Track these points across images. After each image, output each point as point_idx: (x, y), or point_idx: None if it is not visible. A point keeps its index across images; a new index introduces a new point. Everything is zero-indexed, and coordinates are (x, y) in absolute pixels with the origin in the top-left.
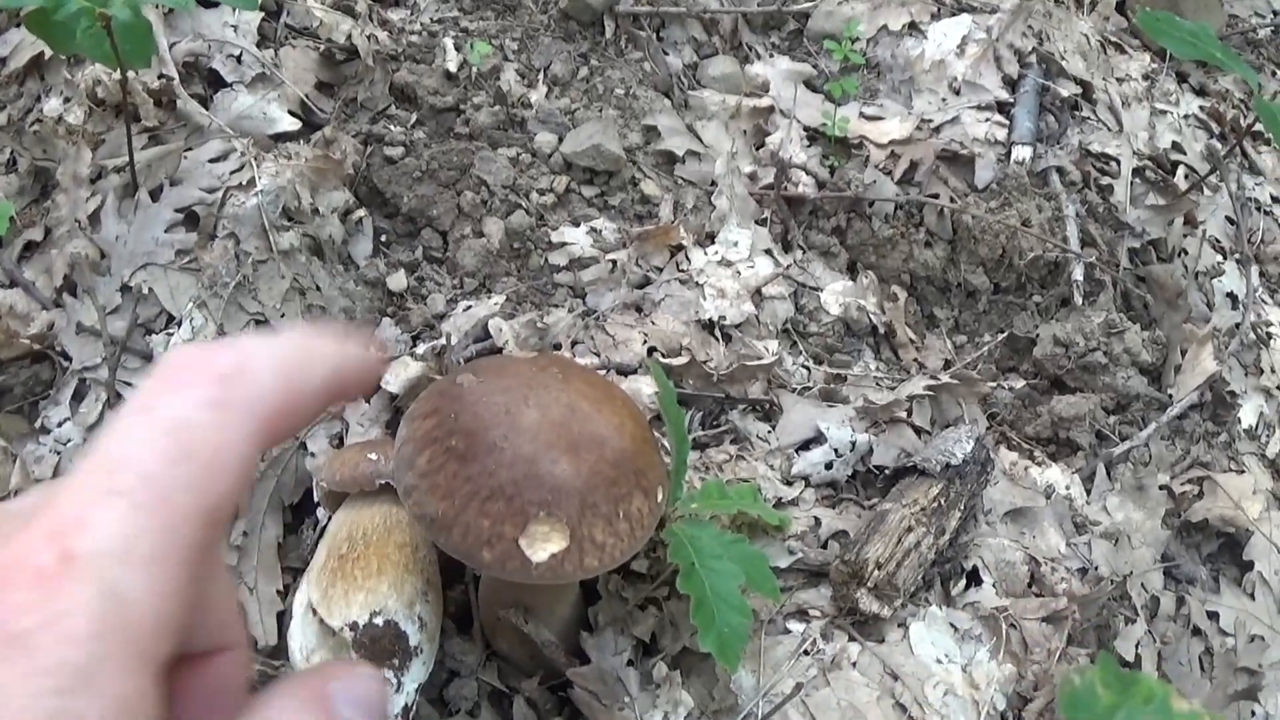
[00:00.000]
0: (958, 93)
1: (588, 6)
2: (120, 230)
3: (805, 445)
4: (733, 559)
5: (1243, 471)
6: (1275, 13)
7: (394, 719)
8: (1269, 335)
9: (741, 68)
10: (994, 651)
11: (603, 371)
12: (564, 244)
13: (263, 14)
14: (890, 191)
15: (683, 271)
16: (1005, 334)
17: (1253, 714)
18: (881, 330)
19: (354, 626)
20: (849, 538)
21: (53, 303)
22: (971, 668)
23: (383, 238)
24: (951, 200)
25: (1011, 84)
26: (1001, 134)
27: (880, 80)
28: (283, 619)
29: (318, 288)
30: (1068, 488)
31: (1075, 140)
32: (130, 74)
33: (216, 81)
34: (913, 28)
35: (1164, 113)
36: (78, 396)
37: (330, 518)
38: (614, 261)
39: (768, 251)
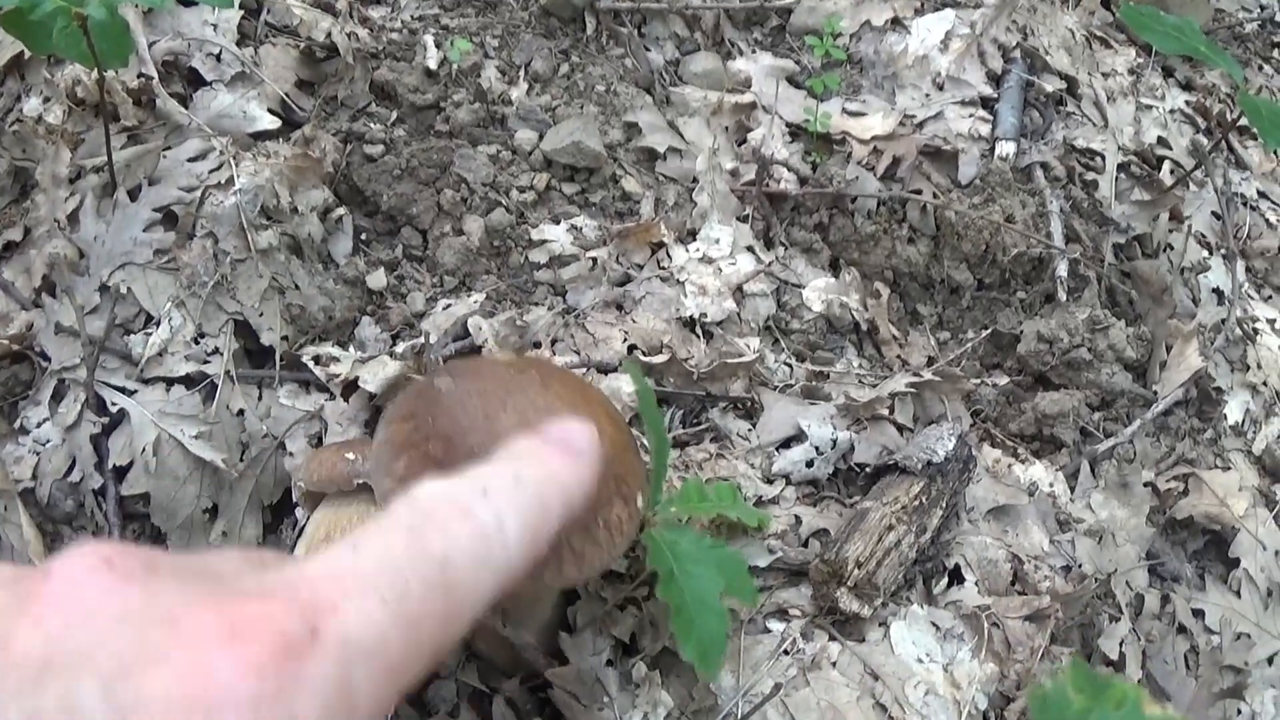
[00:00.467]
0: (941, 88)
1: (568, 3)
2: (99, 230)
3: (786, 443)
4: (712, 564)
5: (1228, 468)
6: (1262, 7)
7: None
8: (1255, 331)
9: (723, 64)
10: (976, 651)
11: (582, 370)
12: (544, 241)
13: (242, 12)
14: (873, 188)
15: (664, 269)
16: (989, 330)
17: (1239, 712)
18: (864, 327)
19: None
20: (829, 536)
21: (31, 303)
22: (953, 667)
23: (362, 236)
24: (935, 196)
25: (995, 79)
26: (985, 129)
27: (863, 76)
28: None
29: (297, 287)
30: (1051, 485)
31: (1060, 135)
32: (109, 73)
33: (196, 80)
34: (896, 23)
35: (1149, 108)
36: (57, 397)
37: (309, 518)
38: (594, 259)
39: (749, 248)
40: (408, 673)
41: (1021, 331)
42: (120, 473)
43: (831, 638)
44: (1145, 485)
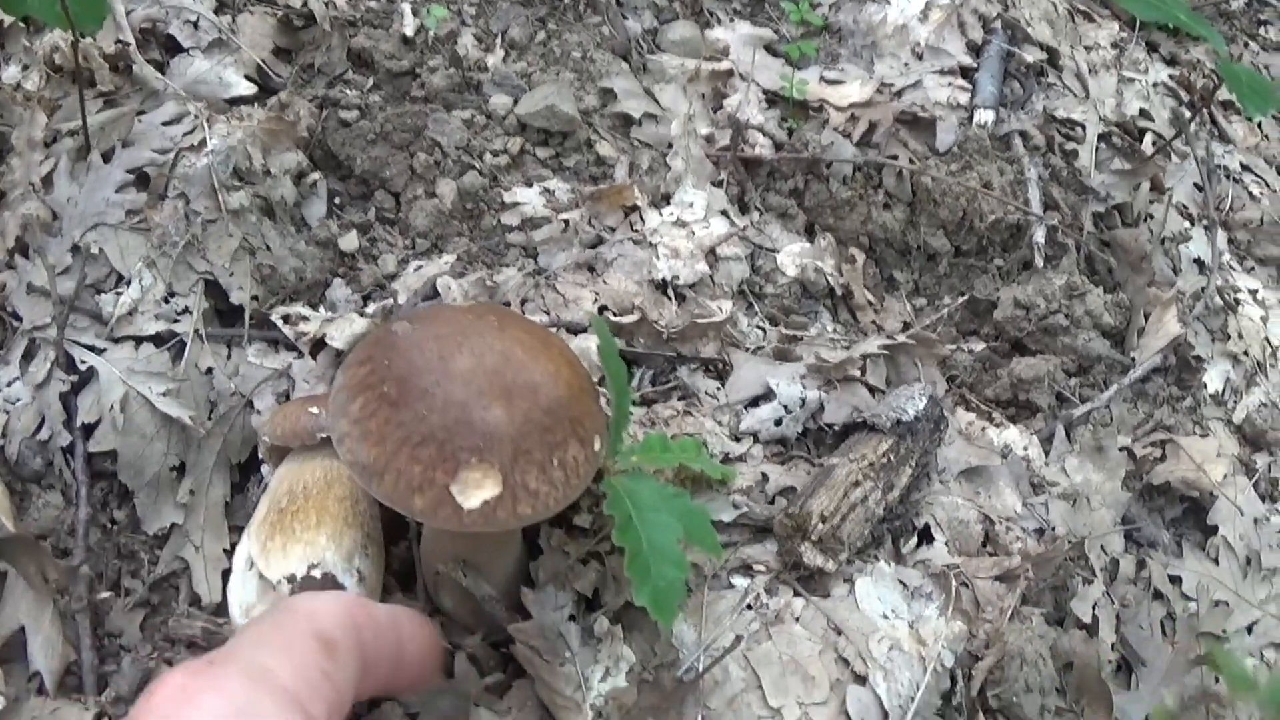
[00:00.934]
0: (920, 58)
1: None
2: (72, 192)
3: (755, 402)
4: (672, 513)
5: (1207, 435)
6: None
7: None
8: (1236, 301)
9: (701, 32)
10: (943, 609)
11: (552, 330)
12: (516, 204)
13: None
14: (848, 153)
15: (636, 232)
16: (965, 297)
17: (1216, 680)
18: (839, 292)
19: (291, 579)
20: (797, 493)
21: (5, 264)
22: (919, 624)
23: (336, 199)
24: (911, 162)
25: (976, 49)
26: (964, 98)
27: (842, 45)
28: (227, 577)
29: (268, 247)
30: (1025, 448)
31: (1040, 105)
32: (86, 39)
33: (173, 47)
34: None
35: (1132, 81)
36: (27, 356)
37: (273, 473)
38: (566, 221)
39: (724, 213)
40: None
41: (998, 298)
42: (88, 430)
43: (796, 593)
44: (1121, 450)
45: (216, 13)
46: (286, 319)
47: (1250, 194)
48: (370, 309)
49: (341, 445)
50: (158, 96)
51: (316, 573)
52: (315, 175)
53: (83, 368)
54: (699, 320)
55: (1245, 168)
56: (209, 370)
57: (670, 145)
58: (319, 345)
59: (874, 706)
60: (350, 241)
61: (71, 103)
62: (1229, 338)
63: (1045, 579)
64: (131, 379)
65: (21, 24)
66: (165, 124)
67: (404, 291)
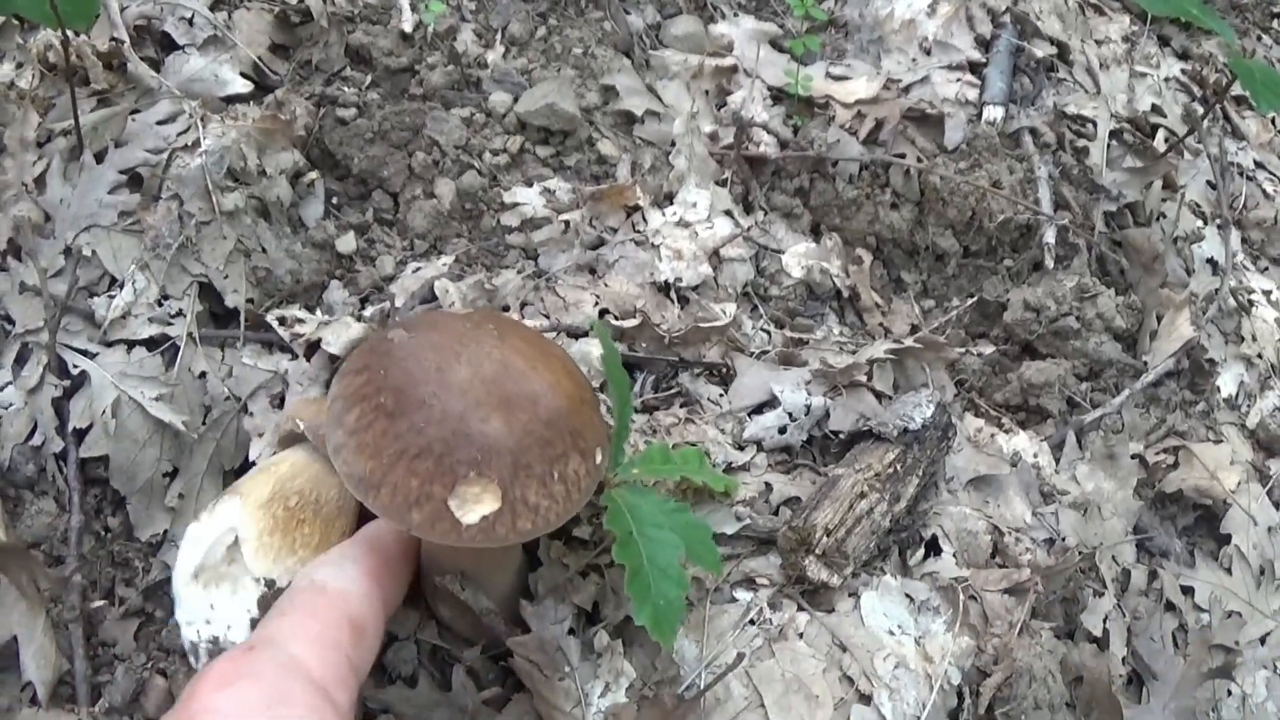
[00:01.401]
0: (928, 53)
1: None
2: (64, 193)
3: (759, 409)
4: (674, 528)
5: (1220, 441)
6: None
7: None
8: (1250, 302)
9: (705, 27)
10: (951, 623)
11: (552, 334)
12: (516, 204)
13: None
14: (855, 151)
15: (638, 232)
16: (974, 298)
17: (1228, 693)
18: (846, 294)
19: (270, 584)
20: (801, 504)
21: None
22: (926, 640)
23: (334, 200)
24: (919, 161)
25: (985, 44)
26: (973, 94)
27: (848, 40)
28: None
29: (263, 249)
30: (1035, 455)
31: (1050, 102)
32: (80, 37)
33: (168, 44)
34: None
35: (1144, 76)
36: (20, 360)
37: (275, 453)
38: (567, 222)
39: (727, 212)
40: None
41: (1008, 300)
42: (80, 436)
43: (799, 608)
44: (1133, 457)
45: (212, 9)
46: (282, 321)
47: (1264, 192)
48: (367, 312)
49: (338, 456)
50: (152, 95)
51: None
52: (312, 175)
53: (75, 372)
54: (702, 324)
55: (1259, 165)
56: (202, 374)
57: (673, 143)
58: (314, 348)
59: None
60: (348, 243)
61: (65, 101)
62: (1243, 340)
63: (1055, 591)
64: (124, 383)
65: (15, 21)
66: (159, 123)
67: (402, 294)
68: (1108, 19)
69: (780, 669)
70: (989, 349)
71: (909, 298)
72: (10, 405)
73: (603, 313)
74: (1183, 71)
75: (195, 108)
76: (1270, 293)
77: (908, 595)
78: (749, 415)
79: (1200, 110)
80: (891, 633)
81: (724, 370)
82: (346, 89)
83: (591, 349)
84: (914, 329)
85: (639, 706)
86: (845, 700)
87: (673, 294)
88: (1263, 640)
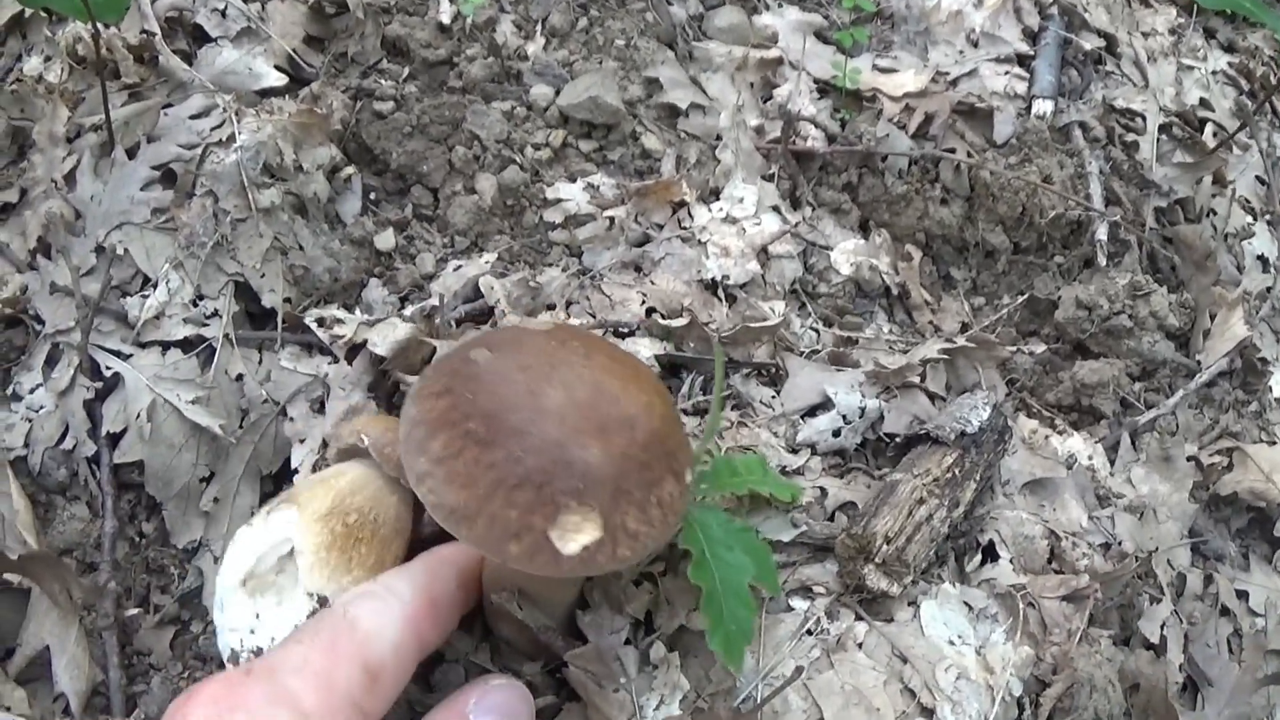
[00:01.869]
0: (975, 45)
1: None
2: (95, 189)
3: (812, 411)
4: (741, 549)
5: (1274, 442)
6: None
7: None
8: None
9: (749, 18)
10: (1010, 632)
11: (599, 332)
12: (559, 200)
13: None
14: (904, 146)
15: (684, 229)
16: (1025, 296)
17: None
18: (895, 291)
19: (322, 601)
20: (857, 510)
21: (27, 265)
22: (986, 650)
23: (371, 195)
24: (969, 155)
25: (1032, 36)
26: (1021, 88)
27: (895, 32)
28: None
29: (301, 247)
30: (1090, 458)
31: (1099, 95)
32: (110, 30)
33: (201, 37)
34: None
35: (1191, 68)
36: (50, 361)
37: (331, 464)
38: (612, 219)
39: (775, 208)
40: None
41: (1059, 297)
42: (114, 440)
43: (858, 617)
44: (1188, 459)
45: (245, 0)
46: (321, 322)
47: None
48: (409, 310)
49: (421, 485)
50: (184, 89)
51: None
52: (349, 170)
53: (108, 374)
54: (752, 324)
55: None
56: (239, 376)
57: (719, 137)
58: (355, 350)
59: None
60: (387, 240)
61: (95, 95)
62: None
63: (1112, 598)
64: (159, 386)
65: (43, 14)
66: (192, 118)
67: (444, 293)
68: (1153, 11)
69: (839, 680)
70: (1040, 348)
71: (959, 295)
72: (41, 408)
73: (650, 311)
74: (1229, 64)
75: (229, 101)
76: None
77: (966, 604)
78: (802, 418)
79: (1250, 104)
80: (952, 643)
81: (774, 370)
82: (384, 82)
83: (640, 348)
84: (964, 327)
85: (692, 719)
86: (907, 713)
87: (720, 292)
88: None
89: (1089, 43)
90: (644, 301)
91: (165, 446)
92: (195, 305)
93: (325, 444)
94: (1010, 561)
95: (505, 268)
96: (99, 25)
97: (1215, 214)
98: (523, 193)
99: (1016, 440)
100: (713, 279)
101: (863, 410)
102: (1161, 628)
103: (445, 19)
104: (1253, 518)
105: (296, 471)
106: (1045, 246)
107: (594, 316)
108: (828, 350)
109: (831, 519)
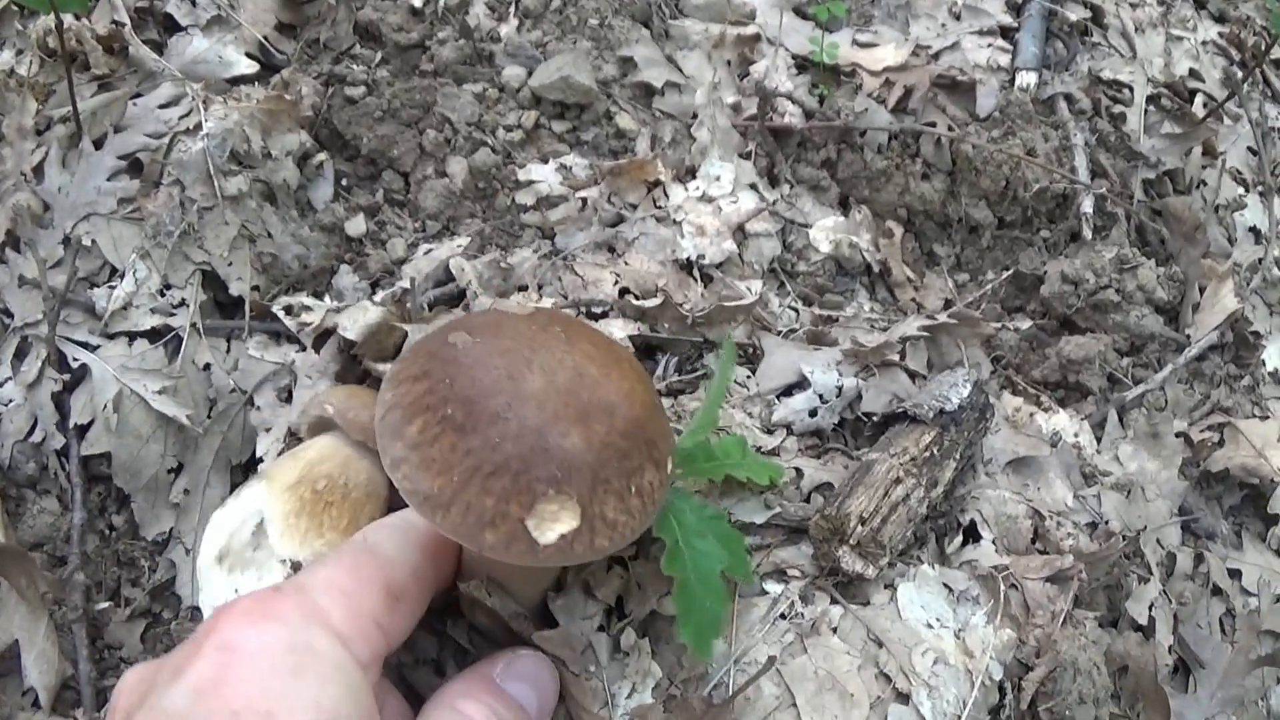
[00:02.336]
0: (958, 18)
1: None
2: (63, 181)
3: (788, 391)
4: (714, 538)
5: (1267, 417)
6: None
7: None
8: None
9: None
10: (991, 615)
11: (571, 312)
12: (531, 182)
13: None
14: (883, 120)
15: (659, 208)
16: (1010, 271)
17: (1278, 681)
18: (876, 269)
19: (295, 566)
20: (833, 490)
21: None
22: (966, 633)
23: (343, 181)
24: (950, 129)
25: (1015, 8)
26: (1004, 60)
27: (875, 6)
28: None
29: (269, 234)
30: (1076, 435)
31: (1085, 67)
32: (79, 21)
33: (171, 26)
34: None
35: (1180, 39)
36: (19, 355)
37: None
38: (584, 199)
39: (752, 186)
40: None
41: (1045, 272)
42: (82, 432)
43: (833, 600)
44: (1177, 435)
45: None
46: (289, 310)
47: None
48: (379, 296)
49: (396, 471)
50: (154, 78)
51: None
52: (321, 156)
53: (75, 365)
54: (727, 303)
55: None
56: (207, 366)
57: (694, 116)
58: (323, 338)
59: None
60: (357, 225)
61: (66, 88)
62: None
63: (1098, 578)
64: (126, 376)
65: (15, 7)
66: (160, 107)
67: (414, 276)
68: None
69: (813, 666)
70: (1026, 324)
71: (942, 271)
72: (10, 401)
73: (623, 292)
74: (1220, 35)
75: (197, 90)
76: None
77: (946, 585)
78: (777, 398)
79: (1240, 74)
80: (930, 626)
81: (750, 350)
82: (355, 67)
83: (613, 329)
84: (948, 303)
85: (665, 707)
86: (882, 699)
87: (696, 272)
88: None
89: (1074, 14)
90: (617, 282)
91: (133, 437)
92: (162, 295)
93: (292, 433)
94: (992, 542)
95: (477, 251)
96: (68, 17)
97: (1205, 185)
98: (494, 175)
99: (1000, 418)
100: (688, 259)
101: (840, 389)
102: (1150, 608)
103: (417, 3)
104: (1245, 495)
105: (262, 460)
106: (1030, 221)
107: (566, 297)
108: (806, 329)
109: (808, 500)
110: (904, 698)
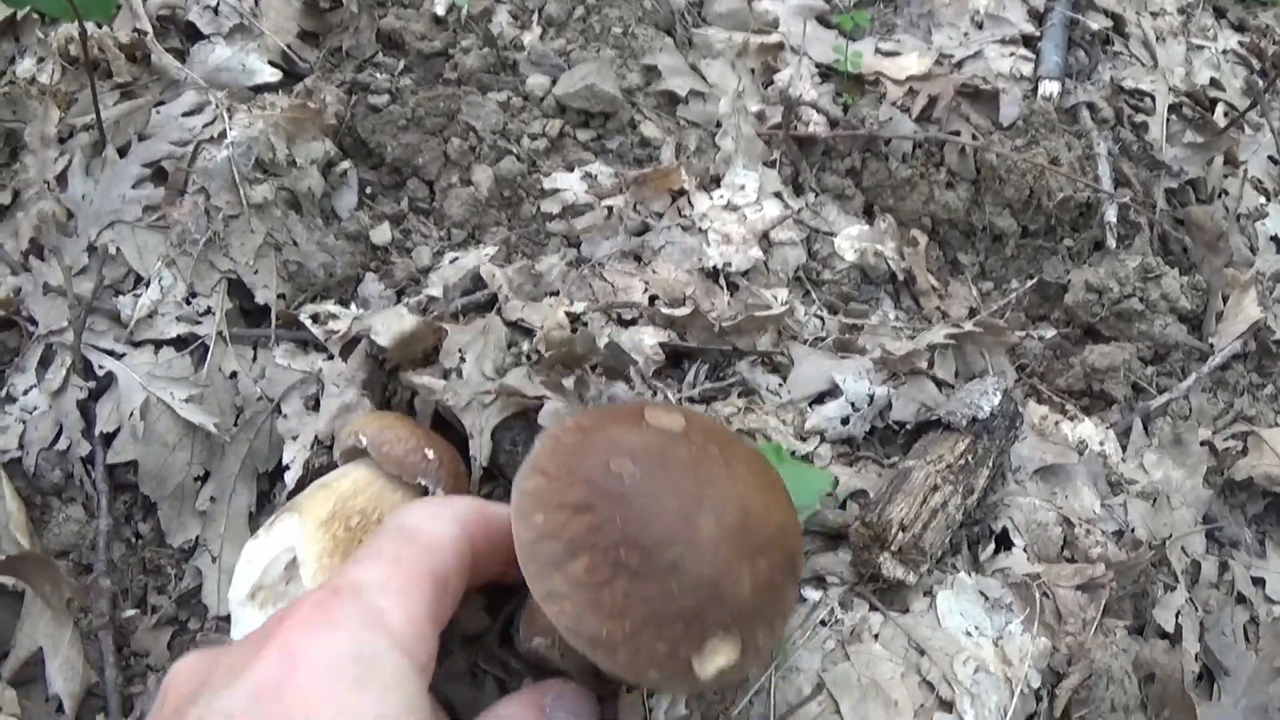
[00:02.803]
0: (980, 26)
1: None
2: (87, 189)
3: (819, 399)
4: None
5: None
6: None
7: None
8: None
9: (749, 3)
10: (1027, 623)
11: (601, 317)
12: (557, 190)
13: None
14: (908, 129)
15: (684, 217)
16: (1034, 280)
17: None
18: (901, 277)
19: None
20: (868, 497)
21: (20, 267)
22: (1003, 641)
23: (367, 189)
24: (974, 138)
25: (1038, 17)
26: (1027, 69)
27: (897, 15)
28: None
29: (295, 243)
30: (1101, 444)
31: (1107, 76)
32: (101, 29)
33: (193, 34)
34: None
35: (1201, 48)
36: (44, 362)
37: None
38: (610, 208)
39: (777, 194)
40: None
41: (1069, 281)
42: (108, 439)
43: (872, 608)
44: (1202, 444)
45: None
46: (315, 318)
47: None
48: (405, 304)
49: (552, 604)
50: (177, 86)
51: None
52: (345, 164)
53: (101, 373)
54: (756, 313)
55: None
56: (233, 374)
57: (719, 124)
58: (350, 345)
59: None
60: (382, 234)
61: (88, 96)
62: None
63: (1125, 586)
64: (152, 385)
65: (36, 16)
66: (184, 115)
67: (440, 284)
68: None
69: (856, 673)
70: (1050, 332)
71: (966, 280)
72: (35, 409)
73: (652, 299)
74: (1239, 44)
75: (221, 98)
76: None
77: (982, 593)
78: (809, 405)
79: (1260, 83)
80: (969, 634)
81: (778, 358)
82: (379, 75)
83: (644, 336)
84: (972, 312)
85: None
86: (925, 707)
87: (721, 280)
88: None
89: (1096, 23)
90: (647, 289)
91: (159, 445)
92: (188, 303)
93: (318, 441)
94: (1024, 550)
95: (504, 259)
96: (90, 25)
97: (1227, 194)
98: (520, 184)
99: (1026, 426)
100: (714, 267)
101: (871, 398)
102: (1176, 616)
103: (440, 11)
104: (1269, 503)
105: (288, 469)
106: (1054, 229)
107: (596, 302)
108: (833, 337)
109: (843, 507)
110: (947, 705)
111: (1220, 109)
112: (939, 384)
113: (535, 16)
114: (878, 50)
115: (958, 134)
